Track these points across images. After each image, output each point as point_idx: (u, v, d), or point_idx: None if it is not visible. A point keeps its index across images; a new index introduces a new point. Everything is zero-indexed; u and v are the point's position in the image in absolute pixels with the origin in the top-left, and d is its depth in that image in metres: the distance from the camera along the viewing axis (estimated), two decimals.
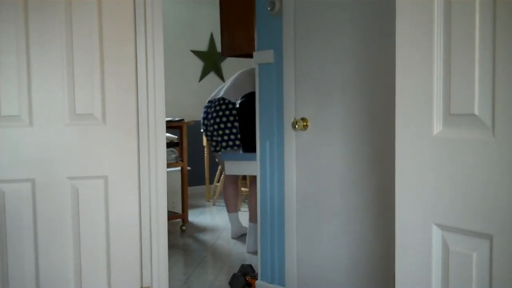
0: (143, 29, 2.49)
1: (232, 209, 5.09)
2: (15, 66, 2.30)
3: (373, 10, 2.67)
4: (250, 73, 4.86)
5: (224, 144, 4.74)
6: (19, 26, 2.30)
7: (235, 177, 5.10)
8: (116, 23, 2.44)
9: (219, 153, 4.72)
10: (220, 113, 4.68)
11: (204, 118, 4.88)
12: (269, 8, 3.19)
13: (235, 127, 4.66)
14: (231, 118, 4.65)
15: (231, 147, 4.73)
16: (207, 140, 5.03)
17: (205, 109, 4.88)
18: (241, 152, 4.49)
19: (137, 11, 2.48)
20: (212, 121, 4.73)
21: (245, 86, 4.73)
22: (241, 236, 5.10)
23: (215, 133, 4.74)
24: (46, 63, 2.34)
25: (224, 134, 4.70)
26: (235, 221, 5.13)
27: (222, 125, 4.68)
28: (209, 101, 4.88)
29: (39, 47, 2.33)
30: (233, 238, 5.09)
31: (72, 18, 2.37)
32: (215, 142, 4.86)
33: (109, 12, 2.42)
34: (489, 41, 1.37)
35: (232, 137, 4.69)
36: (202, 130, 4.98)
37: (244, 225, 5.26)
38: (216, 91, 4.96)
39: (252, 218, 4.65)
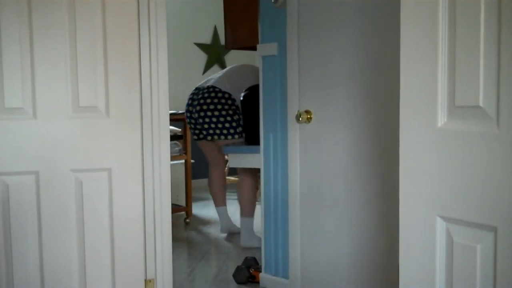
0: (147, 24, 2.49)
1: (219, 202, 4.94)
2: (18, 58, 2.30)
3: (377, 2, 2.65)
4: (247, 68, 4.82)
5: (211, 132, 4.63)
6: (23, 19, 2.30)
7: (222, 169, 4.99)
8: (120, 18, 2.44)
9: (223, 146, 4.69)
10: (208, 101, 4.58)
11: (189, 105, 4.76)
12: (273, 1, 3.18)
13: (223, 116, 4.58)
14: (219, 107, 4.57)
15: (218, 136, 4.63)
16: (189, 127, 4.90)
17: (191, 96, 4.77)
18: (240, 143, 4.48)
19: (140, 6, 2.47)
20: (198, 108, 4.61)
21: (239, 78, 4.67)
22: (232, 233, 4.98)
23: (199, 120, 4.62)
24: (49, 55, 2.34)
25: (211, 122, 4.59)
26: (224, 216, 4.95)
27: (209, 113, 4.57)
28: (196, 88, 4.79)
29: (42, 41, 2.32)
30: (222, 233, 4.95)
31: (75, 12, 2.36)
32: (198, 130, 4.75)
33: (112, 7, 2.41)
34: (494, 33, 1.36)
35: (220, 126, 4.59)
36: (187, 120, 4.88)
37: (233, 221, 5.13)
38: (204, 80, 4.88)
39: (244, 212, 4.55)
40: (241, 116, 4.65)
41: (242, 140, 4.69)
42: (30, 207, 2.35)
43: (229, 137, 4.64)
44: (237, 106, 4.67)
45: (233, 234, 4.93)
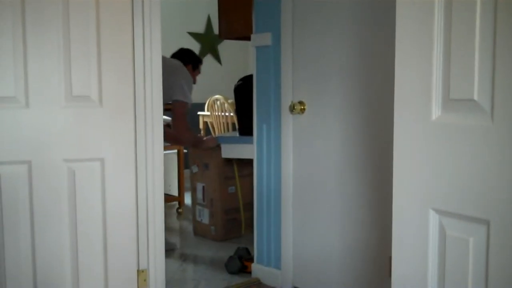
0: (141, 14, 2.47)
1: None
2: (11, 47, 2.27)
3: None
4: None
5: None
6: (16, 8, 2.27)
7: None
8: (113, 7, 2.42)
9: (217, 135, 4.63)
10: None
11: None
12: None
13: None
14: None
15: None
16: None
17: None
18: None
19: None
20: None
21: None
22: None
23: None
24: (42, 44, 2.32)
25: None
26: None
27: None
28: None
29: (36, 29, 2.30)
30: None
31: (69, 2, 2.34)
32: None
33: None
34: (490, 26, 1.36)
35: None
36: None
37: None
38: None
39: None
40: None
41: None
42: (22, 197, 2.34)
43: None
44: None
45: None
